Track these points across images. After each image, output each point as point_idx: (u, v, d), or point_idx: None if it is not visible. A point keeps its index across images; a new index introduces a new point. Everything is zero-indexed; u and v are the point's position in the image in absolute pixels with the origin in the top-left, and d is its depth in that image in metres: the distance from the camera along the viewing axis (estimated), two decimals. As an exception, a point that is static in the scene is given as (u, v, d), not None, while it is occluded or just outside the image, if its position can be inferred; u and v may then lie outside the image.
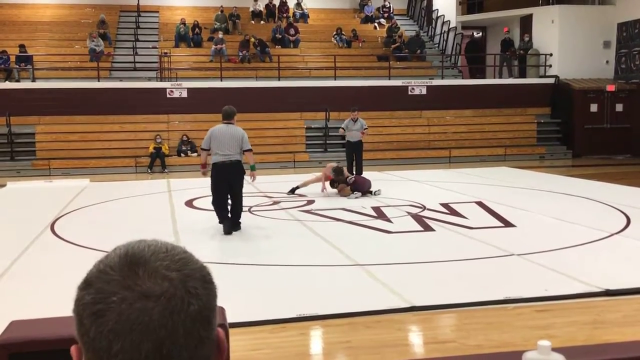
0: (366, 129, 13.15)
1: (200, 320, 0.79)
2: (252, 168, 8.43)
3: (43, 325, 1.44)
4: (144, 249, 0.83)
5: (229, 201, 8.31)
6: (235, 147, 8.08)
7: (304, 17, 23.70)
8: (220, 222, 8.20)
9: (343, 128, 13.20)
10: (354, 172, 12.71)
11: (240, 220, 8.38)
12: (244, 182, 8.34)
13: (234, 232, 8.14)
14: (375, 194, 11.18)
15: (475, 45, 22.31)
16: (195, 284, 0.80)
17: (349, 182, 11.26)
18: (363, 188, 11.24)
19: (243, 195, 8.39)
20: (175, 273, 0.79)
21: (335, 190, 11.40)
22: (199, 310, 0.79)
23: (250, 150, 8.25)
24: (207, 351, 0.81)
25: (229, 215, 8.21)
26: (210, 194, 8.31)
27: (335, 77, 19.40)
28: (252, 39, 20.59)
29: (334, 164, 11.61)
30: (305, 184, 11.51)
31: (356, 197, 10.86)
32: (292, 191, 11.41)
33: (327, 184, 11.40)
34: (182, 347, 0.77)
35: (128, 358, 0.75)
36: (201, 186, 12.10)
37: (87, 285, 0.81)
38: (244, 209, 8.57)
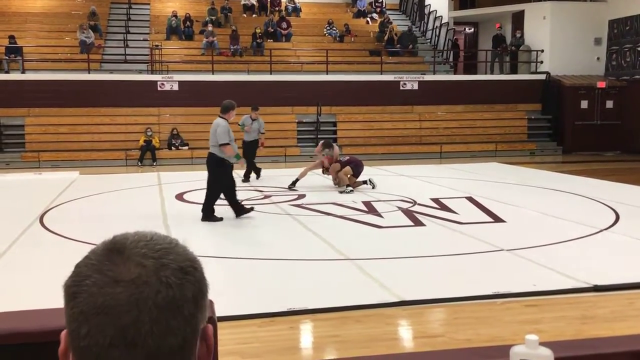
0: (263, 133, 12.80)
1: (169, 310, 0.77)
2: (237, 157, 8.55)
3: (30, 317, 1.44)
4: (128, 237, 0.82)
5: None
6: (212, 139, 8.38)
7: (296, 11, 23.63)
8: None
9: (241, 125, 12.56)
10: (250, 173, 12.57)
11: (211, 213, 8.53)
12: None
13: (218, 224, 8.36)
14: (370, 183, 11.26)
15: (455, 46, 22.71)
16: (169, 273, 0.78)
17: (343, 160, 11.32)
18: (359, 167, 11.32)
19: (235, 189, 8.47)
20: (151, 261, 0.78)
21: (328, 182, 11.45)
22: (169, 299, 0.77)
23: (223, 144, 8.24)
24: (181, 343, 0.78)
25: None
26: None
27: (327, 72, 19.37)
28: (258, 30, 20.53)
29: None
30: (303, 175, 11.55)
31: (349, 192, 10.86)
32: (293, 184, 11.40)
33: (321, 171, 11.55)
34: (147, 334, 0.75)
35: (94, 342, 0.75)
36: (191, 180, 12.08)
37: (73, 269, 0.82)
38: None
